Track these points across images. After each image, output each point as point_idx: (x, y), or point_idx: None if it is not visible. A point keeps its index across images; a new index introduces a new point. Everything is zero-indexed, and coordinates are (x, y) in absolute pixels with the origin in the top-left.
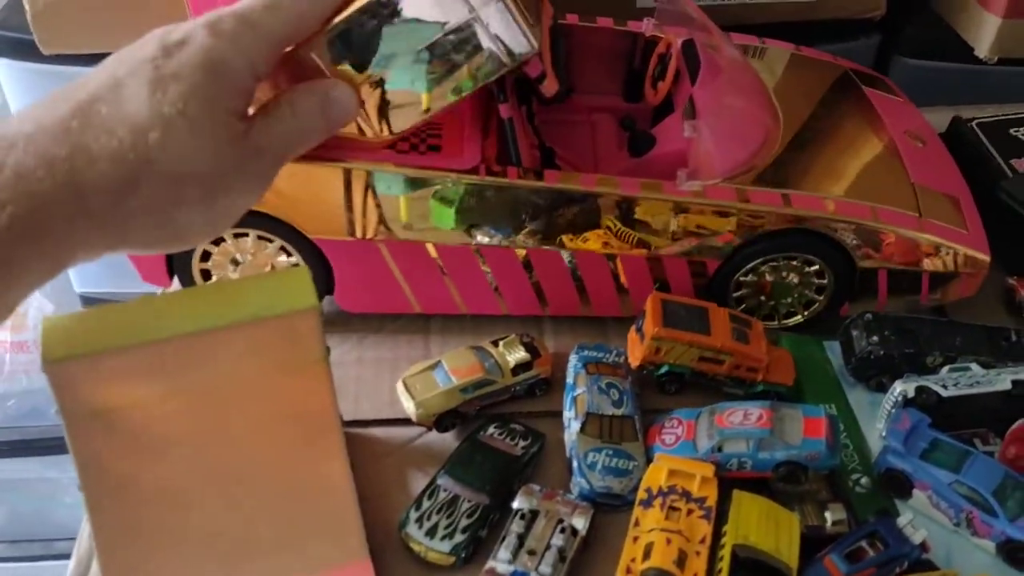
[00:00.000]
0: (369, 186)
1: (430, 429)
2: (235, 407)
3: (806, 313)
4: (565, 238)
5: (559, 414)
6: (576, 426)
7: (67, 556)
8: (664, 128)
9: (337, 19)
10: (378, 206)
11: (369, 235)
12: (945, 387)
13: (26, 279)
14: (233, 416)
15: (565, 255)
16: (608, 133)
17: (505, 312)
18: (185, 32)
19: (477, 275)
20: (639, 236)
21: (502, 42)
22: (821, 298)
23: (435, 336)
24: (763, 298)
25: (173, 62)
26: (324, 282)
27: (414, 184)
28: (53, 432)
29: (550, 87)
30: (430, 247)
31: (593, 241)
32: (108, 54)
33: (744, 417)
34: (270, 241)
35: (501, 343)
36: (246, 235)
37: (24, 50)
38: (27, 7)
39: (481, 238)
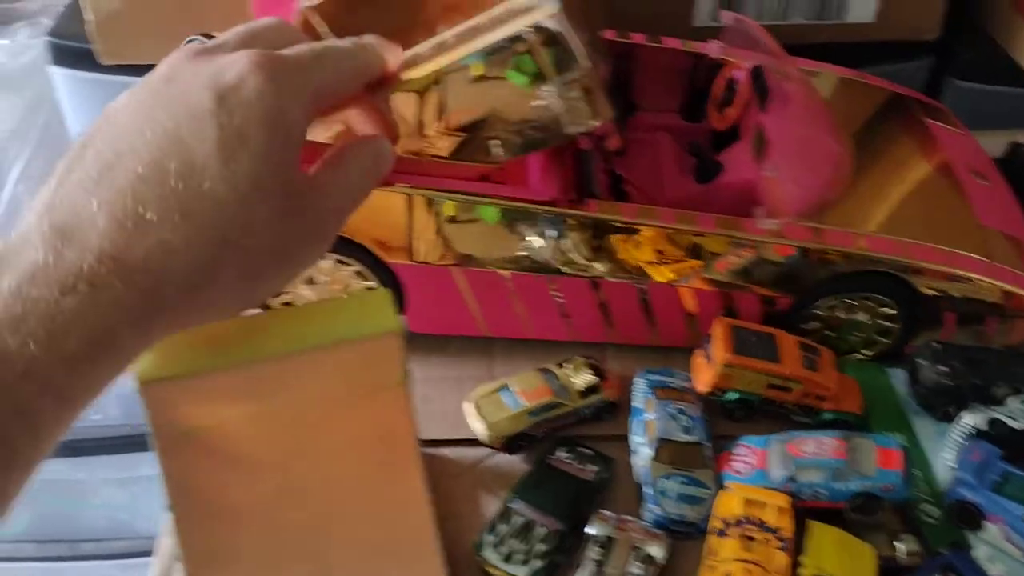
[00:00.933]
0: (439, 212)
1: (499, 451)
2: (319, 428)
3: (870, 352)
4: (631, 260)
5: (624, 438)
6: (648, 452)
7: (93, 557)
8: (731, 155)
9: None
10: (443, 232)
11: (442, 260)
12: (1014, 419)
13: (97, 388)
14: (317, 437)
15: (636, 284)
16: (669, 154)
17: (571, 338)
18: (237, 73)
19: (546, 301)
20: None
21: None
22: (888, 340)
23: (499, 356)
24: (829, 332)
25: (236, 118)
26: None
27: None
28: (82, 434)
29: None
30: (504, 272)
31: (662, 271)
32: None
33: (817, 446)
34: (347, 264)
35: (567, 365)
36: (323, 257)
37: (82, 60)
38: (88, 16)
39: (530, 237)
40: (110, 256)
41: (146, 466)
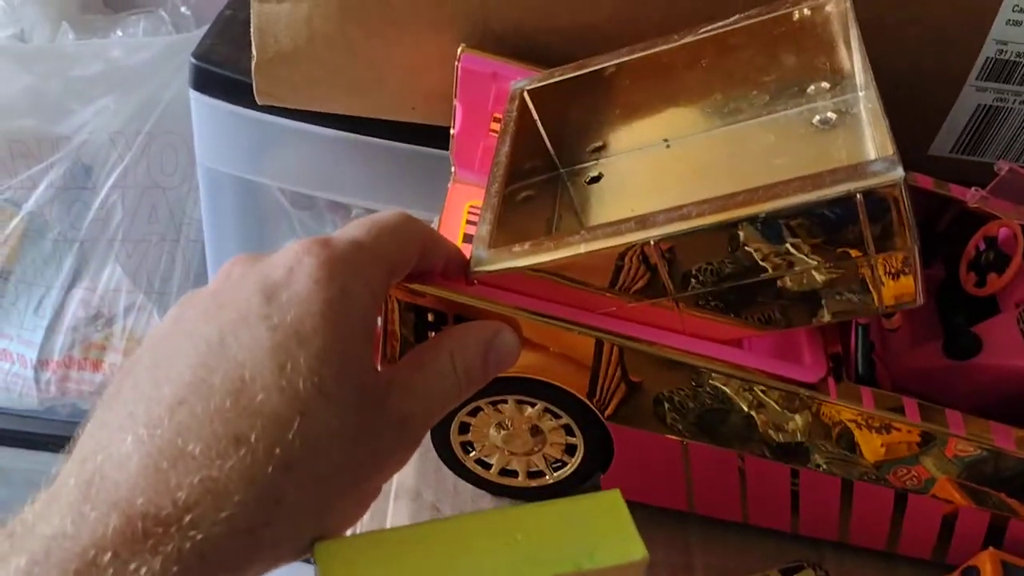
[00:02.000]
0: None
1: None
2: None
3: None
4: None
5: None
6: None
7: None
8: (992, 331)
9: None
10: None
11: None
12: None
13: None
14: None
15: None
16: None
17: (791, 530)
18: (287, 265)
19: (782, 490)
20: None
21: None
22: None
23: (695, 540)
24: None
25: (289, 316)
26: (599, 461)
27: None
28: None
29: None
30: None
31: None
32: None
33: None
34: (532, 405)
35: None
36: (529, 404)
37: (226, 89)
38: (254, 53)
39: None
40: (140, 512)
41: None
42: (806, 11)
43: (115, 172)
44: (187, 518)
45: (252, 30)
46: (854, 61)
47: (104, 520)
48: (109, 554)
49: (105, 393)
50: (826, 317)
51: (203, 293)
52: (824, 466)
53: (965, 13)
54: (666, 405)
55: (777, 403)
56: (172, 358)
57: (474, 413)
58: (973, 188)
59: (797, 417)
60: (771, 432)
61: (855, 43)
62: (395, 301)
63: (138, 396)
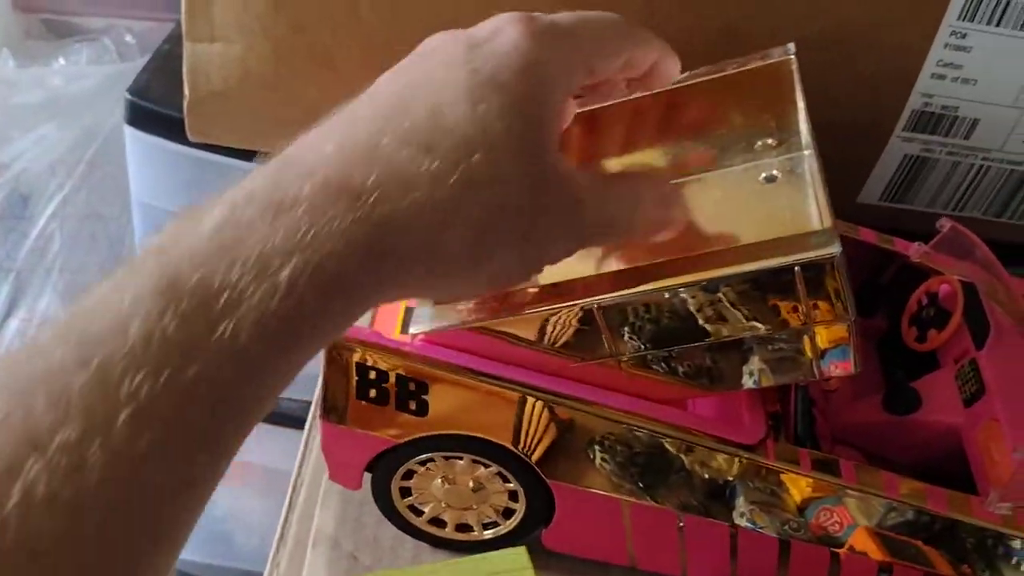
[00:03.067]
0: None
1: None
2: None
3: None
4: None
5: None
6: None
7: None
8: (931, 387)
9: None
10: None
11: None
12: None
13: (321, 337)
14: None
15: (829, 548)
16: None
17: None
18: (493, 27)
19: (722, 548)
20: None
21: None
22: None
23: None
24: None
25: (489, 65)
26: (541, 516)
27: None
28: None
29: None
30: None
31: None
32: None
33: None
34: (486, 466)
35: None
36: (460, 458)
37: (161, 126)
38: (186, 91)
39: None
40: (335, 182)
41: None
42: (753, 68)
43: (54, 201)
44: (375, 194)
45: (184, 69)
46: (799, 119)
47: (298, 183)
48: (306, 204)
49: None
50: (766, 382)
51: (414, 53)
52: (747, 512)
53: (892, 67)
54: (598, 457)
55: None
56: (376, 93)
57: (424, 463)
58: (917, 243)
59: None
60: (698, 468)
61: (800, 101)
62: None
63: (336, 121)
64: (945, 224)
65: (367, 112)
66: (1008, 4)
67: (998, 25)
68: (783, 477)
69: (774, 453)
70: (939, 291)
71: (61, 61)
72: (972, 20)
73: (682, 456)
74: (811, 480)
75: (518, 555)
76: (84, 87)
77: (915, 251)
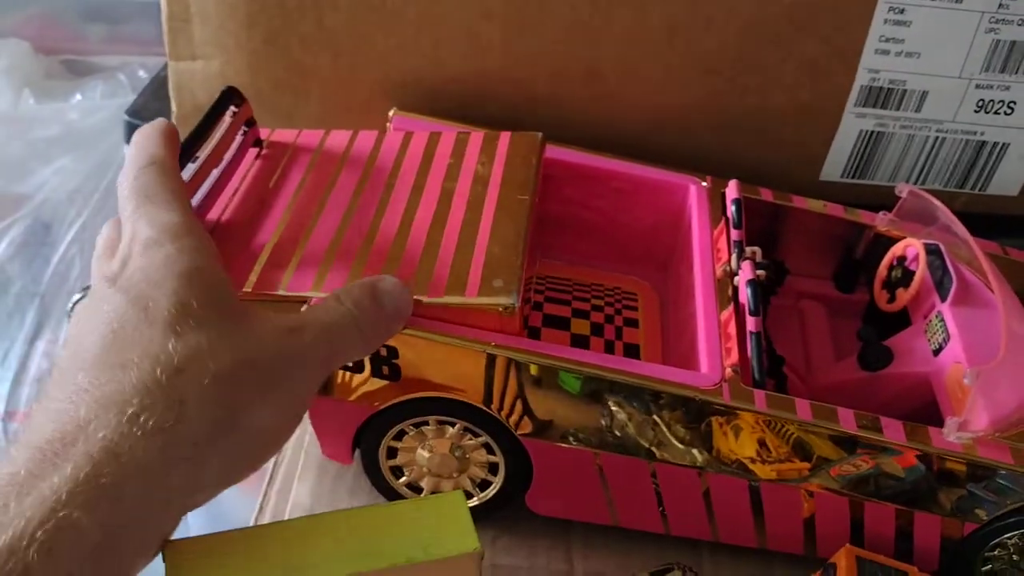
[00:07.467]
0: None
1: None
2: None
3: None
4: (730, 454)
5: None
6: None
7: None
8: (902, 343)
9: None
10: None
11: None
12: None
13: None
14: None
15: (749, 481)
16: (819, 328)
17: (664, 531)
18: (120, 257)
19: (645, 488)
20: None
21: None
22: None
23: (577, 548)
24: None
25: (135, 276)
26: (522, 480)
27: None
28: None
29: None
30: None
31: (764, 470)
32: None
33: None
34: (452, 426)
35: None
36: (452, 424)
37: None
38: (174, 108)
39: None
40: (46, 440)
41: None
42: None
43: (73, 228)
44: (90, 427)
45: (170, 87)
46: None
47: (15, 459)
48: (23, 473)
49: None
50: None
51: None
52: (711, 457)
53: (833, 46)
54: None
55: (677, 433)
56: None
57: (399, 437)
58: (881, 212)
59: (695, 452)
60: (665, 416)
61: None
62: None
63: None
64: (903, 189)
65: (59, 378)
66: None
67: None
68: (741, 418)
69: (729, 394)
70: (906, 254)
71: (78, 97)
72: None
73: (649, 404)
74: (767, 418)
75: (455, 498)
76: (98, 120)
77: (880, 220)
